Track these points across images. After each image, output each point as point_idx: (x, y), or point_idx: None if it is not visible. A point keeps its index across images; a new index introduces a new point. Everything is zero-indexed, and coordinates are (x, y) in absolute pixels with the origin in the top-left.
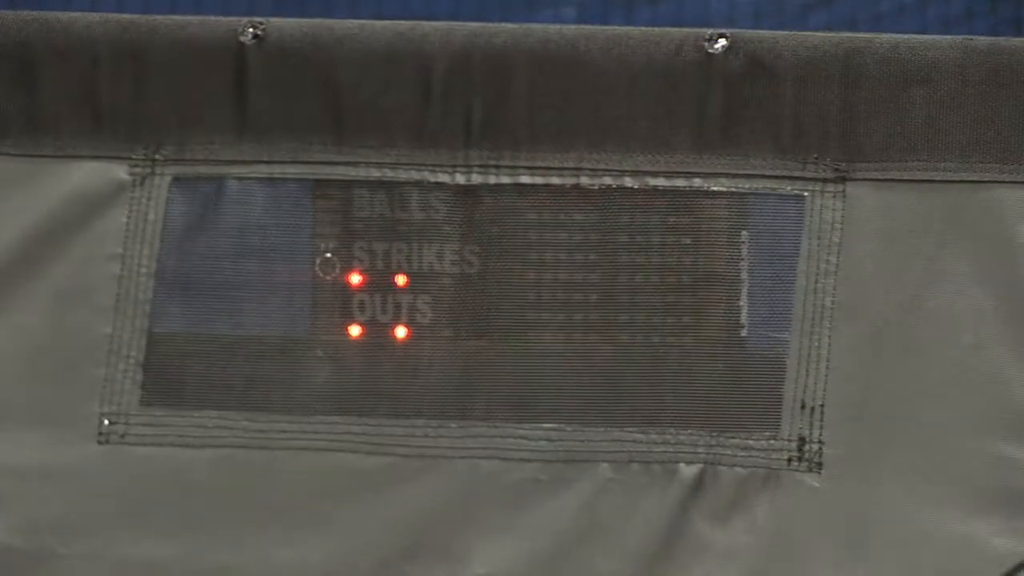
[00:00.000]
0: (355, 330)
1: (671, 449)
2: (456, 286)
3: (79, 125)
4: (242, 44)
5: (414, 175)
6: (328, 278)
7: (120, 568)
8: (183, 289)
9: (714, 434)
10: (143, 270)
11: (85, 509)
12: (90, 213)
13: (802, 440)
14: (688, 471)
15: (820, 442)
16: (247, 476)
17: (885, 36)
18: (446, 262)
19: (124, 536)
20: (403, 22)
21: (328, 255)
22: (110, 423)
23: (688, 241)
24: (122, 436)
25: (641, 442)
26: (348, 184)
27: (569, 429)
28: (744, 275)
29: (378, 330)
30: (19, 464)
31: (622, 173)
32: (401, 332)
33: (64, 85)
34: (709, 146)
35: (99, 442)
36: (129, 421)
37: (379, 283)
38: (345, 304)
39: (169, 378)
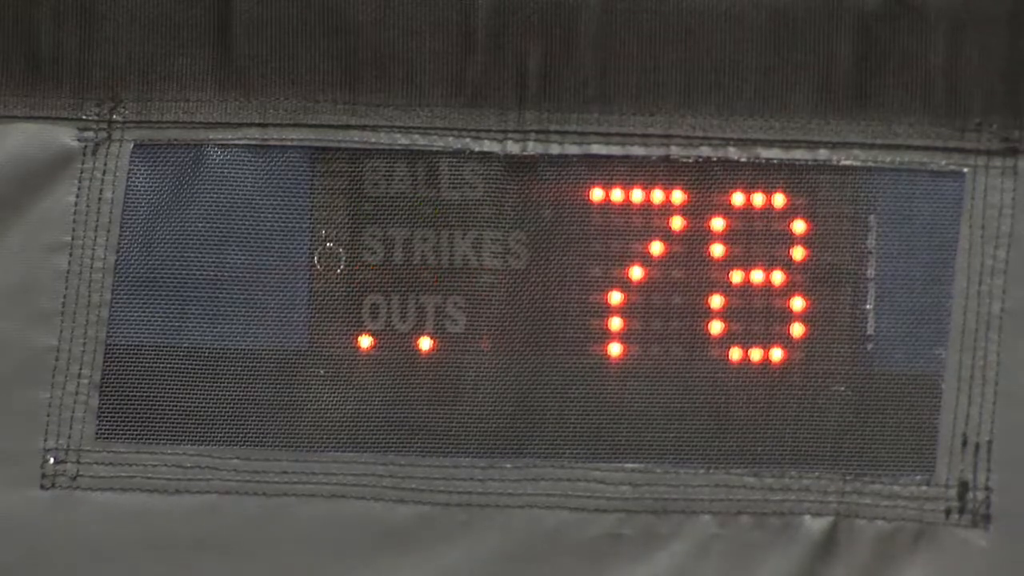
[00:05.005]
0: (365, 341)
1: (792, 497)
2: (499, 285)
3: (11, 75)
4: None
5: (451, 142)
6: (332, 273)
7: None
8: (150, 288)
9: (848, 478)
10: (98, 264)
11: (32, 568)
12: (28, 190)
13: (964, 486)
14: (815, 525)
15: (987, 488)
16: (238, 530)
17: None
18: (485, 254)
19: None
20: None
21: (331, 244)
22: (56, 461)
23: (805, 230)
24: (73, 478)
25: (753, 487)
26: (361, 154)
27: (659, 470)
28: (871, 272)
29: (396, 342)
30: None
31: (725, 142)
32: (426, 344)
33: None
34: (839, 108)
35: (43, 486)
36: (82, 459)
37: (397, 281)
38: (354, 307)
39: (133, 403)
